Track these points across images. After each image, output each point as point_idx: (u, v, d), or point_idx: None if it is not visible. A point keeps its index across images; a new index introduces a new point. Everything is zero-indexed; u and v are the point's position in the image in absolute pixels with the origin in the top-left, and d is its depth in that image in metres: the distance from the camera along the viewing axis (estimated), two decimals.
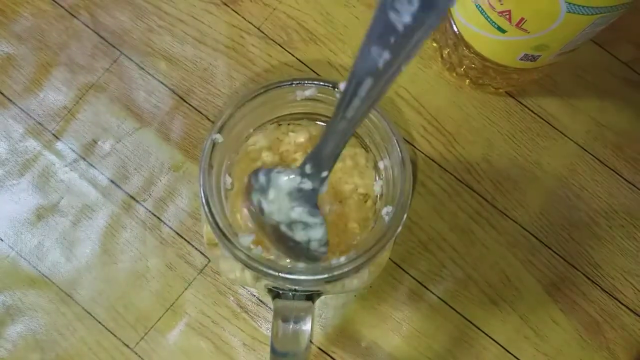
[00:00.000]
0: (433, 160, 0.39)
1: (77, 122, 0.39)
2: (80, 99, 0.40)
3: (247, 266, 0.25)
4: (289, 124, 0.31)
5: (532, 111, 0.40)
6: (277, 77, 0.40)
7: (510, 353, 0.37)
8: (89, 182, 0.38)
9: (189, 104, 0.40)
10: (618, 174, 0.39)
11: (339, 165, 0.30)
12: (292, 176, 0.23)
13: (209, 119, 0.40)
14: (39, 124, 0.39)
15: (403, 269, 0.38)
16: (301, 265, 0.26)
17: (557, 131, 0.40)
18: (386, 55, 0.16)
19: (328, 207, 0.29)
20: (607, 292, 0.38)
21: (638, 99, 0.40)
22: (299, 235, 0.24)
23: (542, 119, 0.40)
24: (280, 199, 0.23)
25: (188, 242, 0.38)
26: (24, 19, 0.41)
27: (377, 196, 0.30)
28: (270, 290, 0.28)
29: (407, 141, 0.39)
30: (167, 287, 0.37)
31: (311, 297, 0.28)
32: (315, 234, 0.24)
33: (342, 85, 0.18)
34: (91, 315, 0.37)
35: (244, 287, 0.37)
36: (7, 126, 0.39)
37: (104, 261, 0.37)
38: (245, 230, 0.28)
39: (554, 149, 0.40)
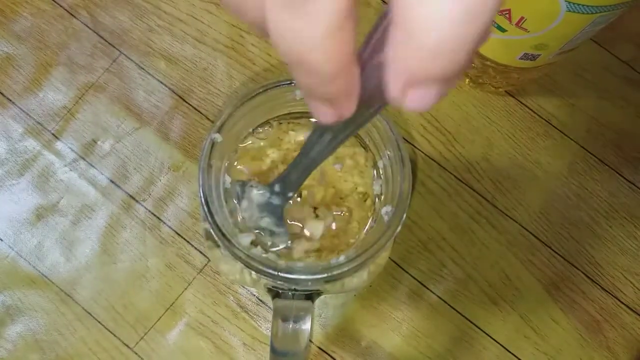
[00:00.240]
0: (433, 160, 0.39)
1: (76, 122, 0.39)
2: (80, 98, 0.40)
3: (247, 266, 0.25)
4: (288, 123, 0.31)
5: (532, 110, 0.40)
6: (276, 77, 0.40)
7: (510, 352, 0.37)
8: (88, 182, 0.38)
9: (189, 104, 0.40)
10: (618, 173, 0.39)
11: (338, 165, 0.30)
12: (262, 192, 0.26)
13: (208, 119, 0.39)
14: (39, 123, 0.39)
15: (403, 269, 0.38)
16: (300, 264, 0.26)
17: (557, 130, 0.40)
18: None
19: (330, 219, 0.29)
20: (607, 291, 0.38)
21: (638, 98, 0.40)
22: (266, 239, 0.27)
23: (542, 118, 0.40)
24: (251, 209, 0.26)
25: (188, 241, 0.38)
26: (23, 18, 0.41)
27: (376, 195, 0.30)
28: (269, 290, 0.28)
29: (406, 140, 0.39)
30: (166, 287, 0.37)
31: (311, 296, 0.28)
32: (280, 241, 0.27)
33: None
34: (91, 315, 0.37)
35: (243, 287, 0.37)
36: (7, 126, 0.39)
37: (103, 261, 0.37)
38: (245, 229, 0.28)
39: (553, 148, 0.40)
